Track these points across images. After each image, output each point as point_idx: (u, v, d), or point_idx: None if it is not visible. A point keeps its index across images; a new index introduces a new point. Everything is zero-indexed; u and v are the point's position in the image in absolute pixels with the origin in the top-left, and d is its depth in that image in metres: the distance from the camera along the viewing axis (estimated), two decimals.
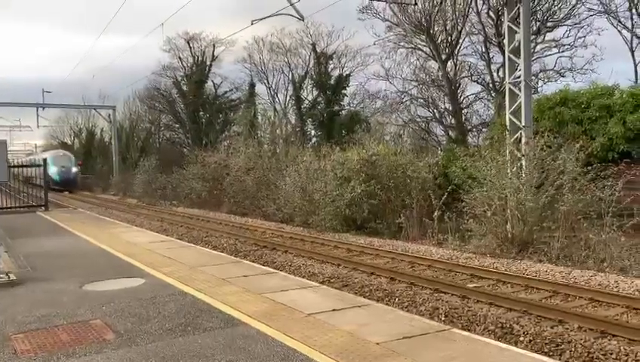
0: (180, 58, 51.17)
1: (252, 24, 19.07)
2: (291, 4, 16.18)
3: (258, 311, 6.39)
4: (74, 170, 49.88)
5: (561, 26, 29.80)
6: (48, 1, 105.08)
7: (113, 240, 12.72)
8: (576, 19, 29.40)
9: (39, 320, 6.30)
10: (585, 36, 29.43)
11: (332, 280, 11.19)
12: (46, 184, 24.01)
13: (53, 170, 42.77)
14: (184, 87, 51.62)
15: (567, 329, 7.68)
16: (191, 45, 50.37)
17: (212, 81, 51.78)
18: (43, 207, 21.84)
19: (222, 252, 13.37)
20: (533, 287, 10.06)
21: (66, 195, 42.39)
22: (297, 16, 16.90)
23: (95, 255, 10.90)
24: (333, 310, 6.43)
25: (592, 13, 29.53)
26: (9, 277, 8.45)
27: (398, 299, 9.57)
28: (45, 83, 75.07)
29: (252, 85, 49.71)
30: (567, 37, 29.99)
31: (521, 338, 7.38)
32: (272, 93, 48.92)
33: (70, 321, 6.22)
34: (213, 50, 50.12)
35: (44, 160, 24.56)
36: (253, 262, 11.52)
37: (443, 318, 8.41)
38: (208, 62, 50.90)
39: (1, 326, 6.08)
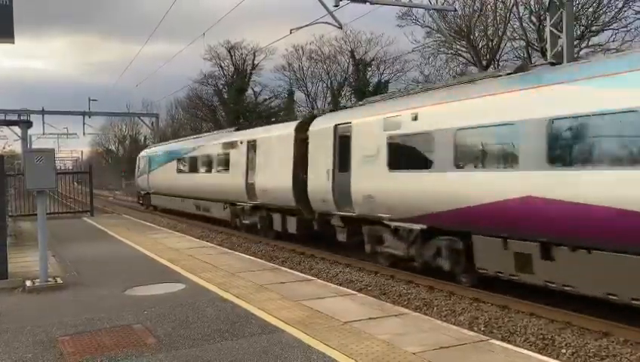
0: (221, 66, 52.15)
1: (290, 33, 19.27)
2: (329, 13, 16.27)
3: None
4: None
5: (606, 29, 29.04)
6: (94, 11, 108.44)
7: (155, 246, 13.00)
8: (622, 22, 28.58)
9: (84, 323, 6.50)
10: (632, 40, 28.53)
11: None
12: (91, 189, 24.71)
13: None
14: (225, 95, 52.51)
15: (613, 341, 7.44)
16: (232, 54, 51.22)
17: (252, 88, 52.59)
18: (89, 213, 22.50)
19: (260, 258, 13.48)
20: None
21: (112, 201, 43.33)
22: (335, 24, 16.98)
23: (138, 260, 11.18)
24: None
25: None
26: (56, 281, 8.77)
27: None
28: (91, 91, 77.61)
29: (291, 93, 50.23)
30: (613, 41, 29.13)
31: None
32: (311, 100, 49.29)
33: (113, 325, 6.40)
34: (254, 59, 50.86)
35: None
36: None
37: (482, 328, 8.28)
38: (249, 71, 51.64)
39: (49, 329, 6.30)
